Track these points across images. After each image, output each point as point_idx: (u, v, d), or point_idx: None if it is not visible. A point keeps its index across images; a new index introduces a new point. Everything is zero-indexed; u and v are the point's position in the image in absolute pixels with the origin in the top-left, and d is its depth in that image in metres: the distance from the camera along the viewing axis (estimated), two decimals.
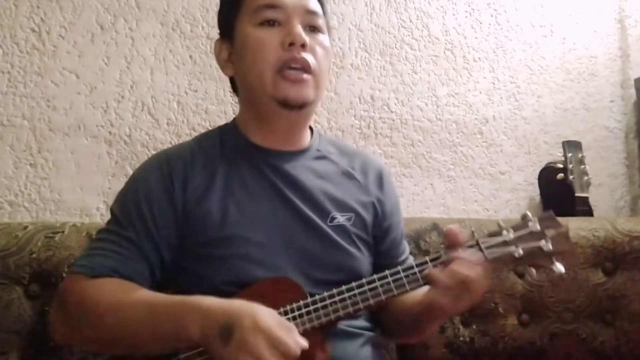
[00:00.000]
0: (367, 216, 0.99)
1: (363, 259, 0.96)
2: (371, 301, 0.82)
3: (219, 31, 1.02)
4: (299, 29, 0.91)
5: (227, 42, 0.98)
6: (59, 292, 0.87)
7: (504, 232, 0.84)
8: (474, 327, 1.32)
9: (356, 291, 0.82)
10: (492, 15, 1.88)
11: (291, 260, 0.89)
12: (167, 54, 1.60)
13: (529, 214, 0.85)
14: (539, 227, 0.84)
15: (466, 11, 1.86)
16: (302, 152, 0.99)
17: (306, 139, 1.02)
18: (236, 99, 1.62)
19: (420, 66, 1.80)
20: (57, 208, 1.47)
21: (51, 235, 1.20)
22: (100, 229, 0.93)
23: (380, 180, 1.05)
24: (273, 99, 0.91)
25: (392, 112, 1.76)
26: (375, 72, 1.76)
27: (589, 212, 1.60)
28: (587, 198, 1.60)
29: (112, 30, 1.57)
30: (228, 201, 0.90)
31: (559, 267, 0.82)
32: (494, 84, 1.85)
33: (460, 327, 1.32)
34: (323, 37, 0.96)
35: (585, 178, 1.62)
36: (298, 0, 0.93)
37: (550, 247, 0.82)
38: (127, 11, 1.58)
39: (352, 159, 1.05)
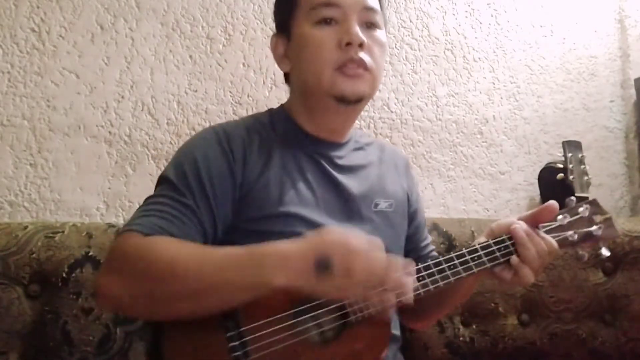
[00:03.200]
0: (404, 203, 1.05)
1: (401, 244, 1.02)
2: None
3: (275, 25, 1.02)
4: (356, 28, 0.90)
5: (283, 38, 0.98)
6: (112, 251, 0.82)
7: (559, 217, 0.89)
8: (474, 327, 1.32)
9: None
10: (492, 15, 1.88)
11: None
12: (167, 54, 1.60)
13: (574, 199, 0.91)
14: (587, 213, 0.90)
15: (466, 11, 1.86)
16: (346, 143, 1.03)
17: (349, 133, 1.05)
18: (236, 99, 1.63)
19: (420, 66, 1.80)
20: (57, 208, 1.47)
21: (51, 235, 1.20)
22: (150, 195, 0.88)
23: (407, 169, 1.12)
24: (330, 95, 0.92)
25: (392, 112, 1.76)
26: None
27: None
28: (587, 198, 1.60)
29: (112, 30, 1.57)
30: (285, 180, 0.91)
31: (606, 252, 0.89)
32: (494, 84, 1.85)
33: (460, 327, 1.32)
34: (380, 33, 0.96)
35: (585, 178, 1.61)
36: None
37: (600, 233, 0.88)
38: (127, 11, 1.58)
39: (383, 150, 1.10)
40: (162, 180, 0.88)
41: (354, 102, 0.93)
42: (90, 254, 1.19)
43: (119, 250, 0.81)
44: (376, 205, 0.98)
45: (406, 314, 1.05)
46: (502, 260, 0.85)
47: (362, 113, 1.72)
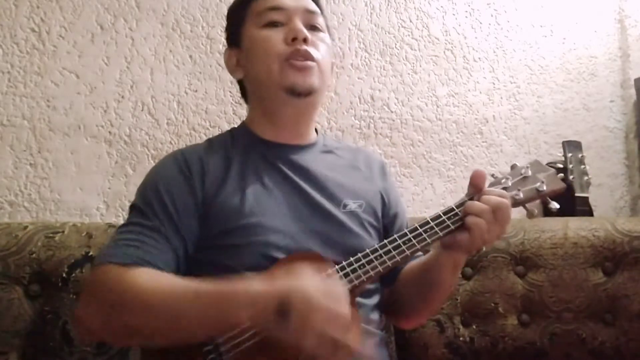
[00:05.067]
0: (376, 204, 1.04)
1: (373, 242, 0.99)
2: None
3: (226, 41, 1.08)
4: (300, 25, 0.97)
5: (235, 49, 1.04)
6: (90, 283, 0.88)
7: (503, 180, 0.93)
8: (474, 327, 1.32)
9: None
10: (492, 15, 1.88)
11: (308, 245, 0.92)
12: (167, 54, 1.60)
13: (517, 164, 0.95)
14: (530, 173, 0.93)
15: (466, 11, 1.86)
16: (310, 146, 1.05)
17: (313, 134, 1.07)
18: (236, 99, 1.63)
19: (420, 66, 1.80)
20: (57, 208, 1.47)
21: (51, 235, 1.20)
22: (122, 224, 0.93)
23: (383, 172, 1.11)
24: (281, 88, 0.96)
25: (392, 112, 1.76)
26: (375, 72, 1.76)
27: (589, 212, 1.59)
28: (587, 198, 1.60)
29: (112, 30, 1.57)
30: (244, 191, 0.93)
31: (555, 204, 0.92)
32: (494, 84, 1.85)
33: (460, 327, 1.32)
34: (323, 35, 1.02)
35: (585, 178, 1.62)
36: (297, 2, 1.00)
37: (545, 187, 0.91)
38: (127, 11, 1.58)
39: (356, 154, 1.11)
40: (131, 209, 0.94)
41: (304, 95, 0.96)
42: (90, 254, 1.19)
43: (98, 282, 0.85)
44: (345, 206, 0.98)
45: (391, 312, 1.05)
46: (453, 227, 0.87)
47: (362, 113, 1.73)
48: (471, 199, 0.88)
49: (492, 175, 0.94)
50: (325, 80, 1.00)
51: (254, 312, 0.74)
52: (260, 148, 1.00)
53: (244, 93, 1.10)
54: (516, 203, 0.91)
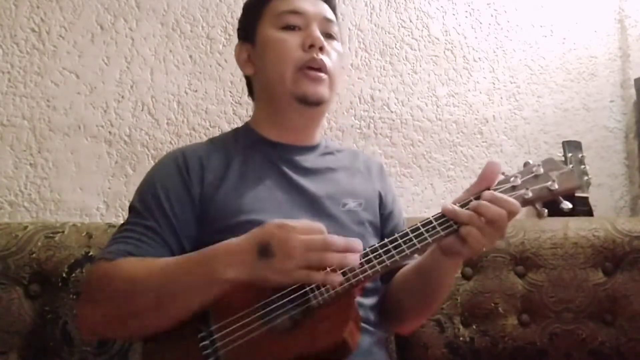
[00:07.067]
0: (375, 203, 1.06)
1: (371, 240, 1.01)
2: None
3: (238, 34, 1.09)
4: (318, 32, 0.99)
5: (248, 45, 1.05)
6: (84, 283, 0.92)
7: (512, 178, 0.88)
8: (474, 327, 1.32)
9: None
10: (492, 15, 1.88)
11: None
12: (167, 54, 1.60)
13: (530, 161, 0.90)
14: (542, 171, 0.88)
15: (466, 11, 1.86)
16: (313, 147, 1.06)
17: (317, 137, 1.09)
18: (236, 99, 1.64)
19: (420, 66, 1.80)
20: (57, 208, 1.47)
21: (51, 235, 1.20)
22: (120, 224, 0.95)
23: (382, 173, 1.14)
24: (292, 95, 0.98)
25: (392, 112, 1.76)
26: (375, 72, 1.76)
27: (589, 212, 1.59)
28: (587, 198, 1.60)
29: (112, 30, 1.57)
30: (243, 189, 0.94)
31: (567, 204, 0.87)
32: (494, 84, 1.85)
33: (460, 327, 1.32)
34: (337, 44, 1.04)
35: (585, 178, 1.62)
36: (317, 8, 1.02)
37: (557, 186, 0.87)
38: (127, 11, 1.58)
39: (355, 156, 1.13)
40: (130, 209, 0.95)
41: (314, 104, 0.98)
42: (90, 254, 1.19)
43: (88, 279, 0.90)
44: (344, 205, 0.99)
45: (389, 319, 1.04)
46: (442, 233, 0.86)
47: (362, 113, 1.73)
48: (477, 197, 0.85)
49: (502, 173, 0.90)
50: (334, 89, 1.02)
51: (238, 264, 0.75)
52: (262, 147, 1.02)
53: (250, 89, 1.10)
54: (525, 202, 0.87)
